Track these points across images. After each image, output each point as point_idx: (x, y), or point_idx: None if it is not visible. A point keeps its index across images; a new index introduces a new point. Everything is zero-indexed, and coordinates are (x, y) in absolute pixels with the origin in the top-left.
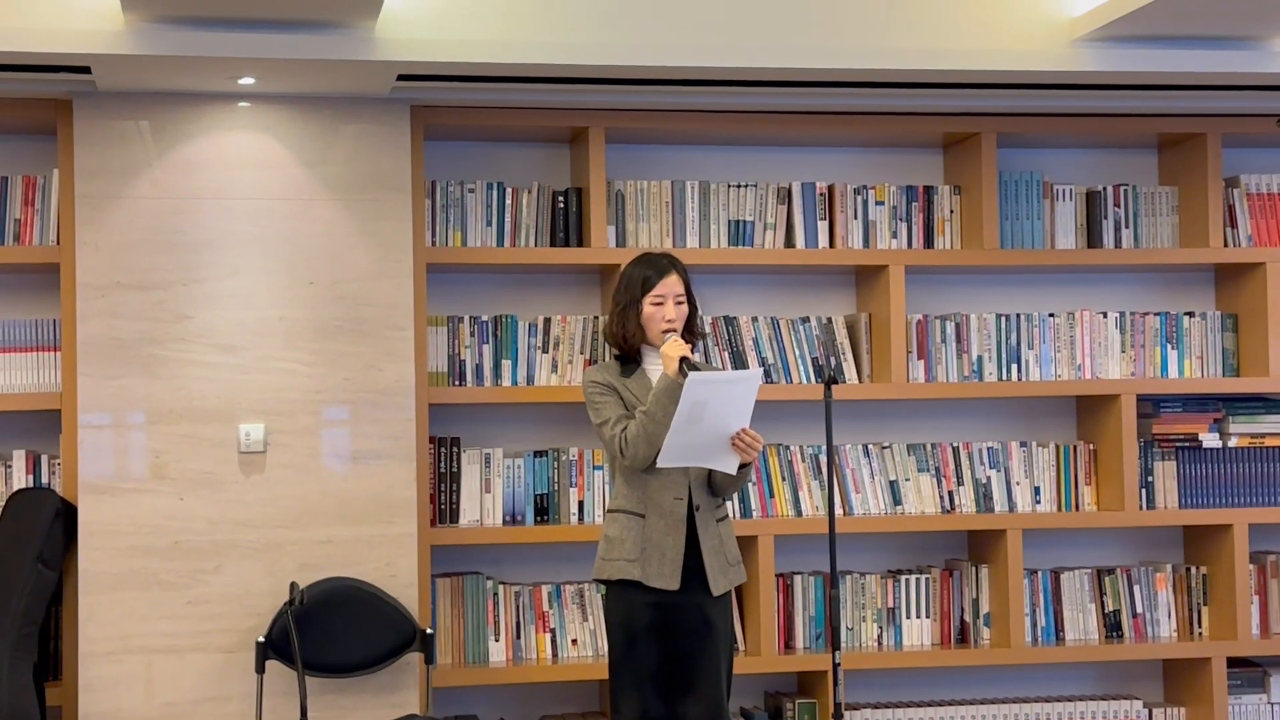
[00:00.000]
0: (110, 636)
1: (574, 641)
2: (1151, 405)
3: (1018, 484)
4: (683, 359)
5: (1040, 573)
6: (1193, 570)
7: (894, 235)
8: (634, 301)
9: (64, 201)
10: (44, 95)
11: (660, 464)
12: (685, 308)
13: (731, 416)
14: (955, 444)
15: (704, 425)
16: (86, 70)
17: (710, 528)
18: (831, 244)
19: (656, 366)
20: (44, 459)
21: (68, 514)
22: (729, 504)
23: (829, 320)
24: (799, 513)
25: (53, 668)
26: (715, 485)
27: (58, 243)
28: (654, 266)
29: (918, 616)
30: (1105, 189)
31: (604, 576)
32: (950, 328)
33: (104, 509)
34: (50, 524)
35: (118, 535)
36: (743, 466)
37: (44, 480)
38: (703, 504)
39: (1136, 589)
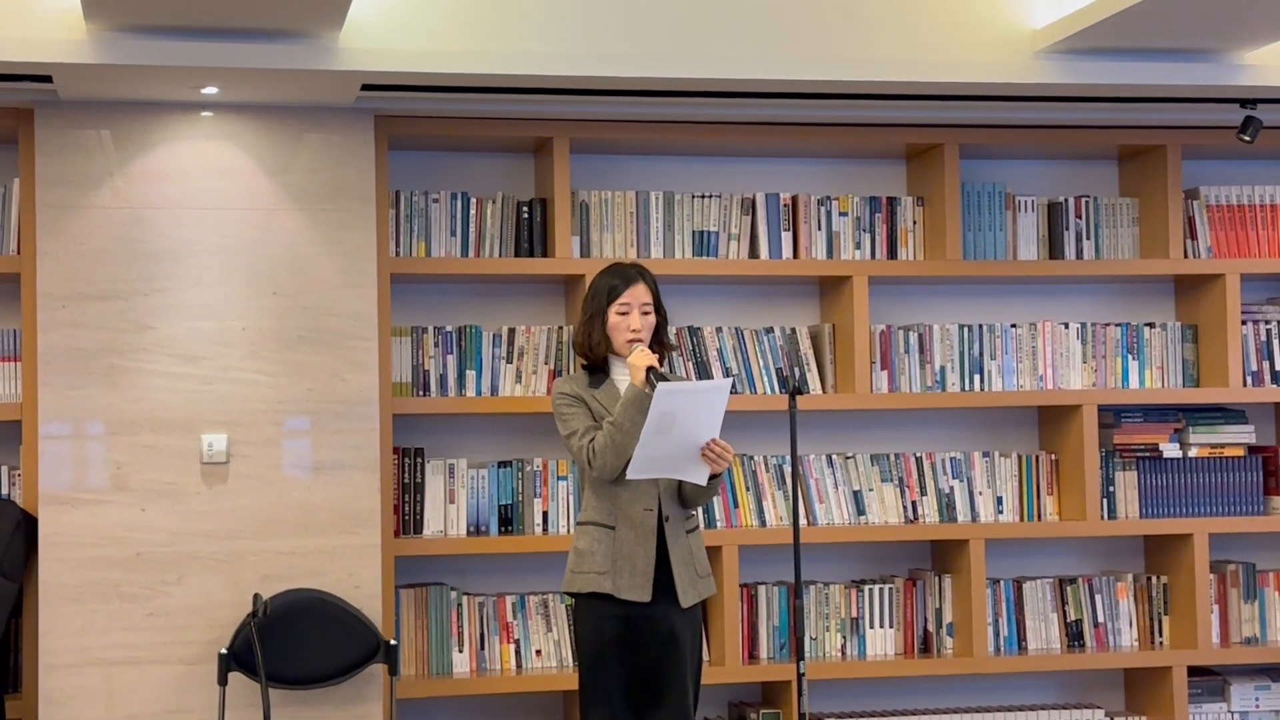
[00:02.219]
0: (71, 649)
1: (538, 652)
2: (1113, 415)
3: (980, 494)
4: (650, 369)
5: (1003, 582)
6: (1153, 580)
7: (857, 246)
8: (600, 311)
9: (25, 211)
10: (5, 104)
11: (630, 475)
12: (652, 318)
13: (701, 427)
14: (918, 454)
15: (673, 436)
16: (48, 79)
17: (680, 539)
18: (795, 254)
19: (624, 377)
20: (4, 470)
21: (28, 525)
22: (698, 514)
23: (793, 331)
24: (763, 523)
25: (13, 680)
26: (685, 496)
27: (18, 252)
28: (621, 276)
29: (881, 626)
30: (1066, 200)
31: (575, 589)
32: (913, 338)
33: (64, 520)
34: (10, 535)
35: (78, 547)
36: (713, 477)
37: (4, 491)
38: (673, 515)
39: (1098, 598)
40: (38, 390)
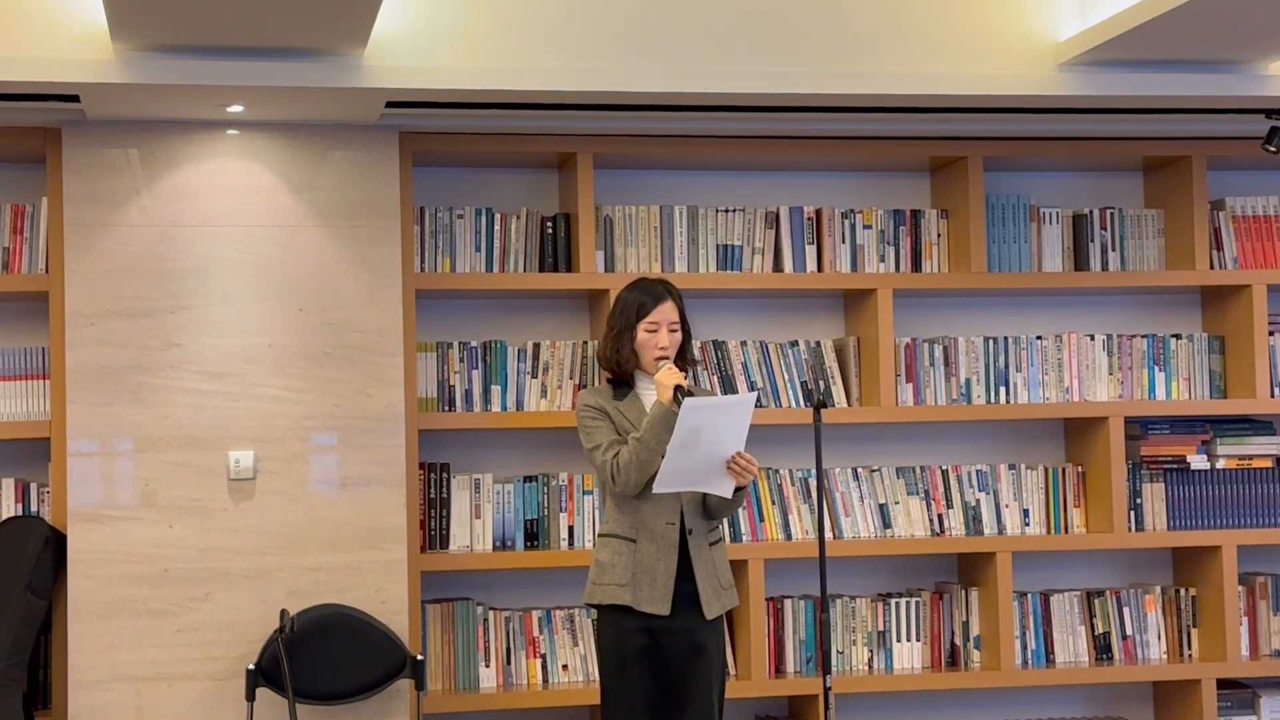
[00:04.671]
0: (100, 665)
1: (564, 667)
2: (1139, 427)
3: (1006, 506)
4: (677, 387)
5: (1030, 595)
6: (1182, 592)
7: (881, 259)
8: (628, 327)
9: (53, 229)
10: (33, 124)
11: (656, 489)
12: (679, 335)
13: (726, 440)
14: (944, 467)
15: (699, 450)
16: (75, 99)
17: (703, 552)
18: (819, 268)
19: (649, 391)
20: (33, 487)
21: (57, 542)
22: (722, 527)
23: (817, 344)
24: (789, 536)
25: (42, 697)
26: (710, 508)
27: (46, 271)
28: (649, 293)
29: (908, 639)
30: (1091, 212)
31: (595, 601)
32: (938, 351)
33: (93, 537)
34: (39, 552)
35: (107, 563)
36: (738, 489)
37: (33, 508)
38: (696, 528)
39: (1126, 611)
40: (66, 408)
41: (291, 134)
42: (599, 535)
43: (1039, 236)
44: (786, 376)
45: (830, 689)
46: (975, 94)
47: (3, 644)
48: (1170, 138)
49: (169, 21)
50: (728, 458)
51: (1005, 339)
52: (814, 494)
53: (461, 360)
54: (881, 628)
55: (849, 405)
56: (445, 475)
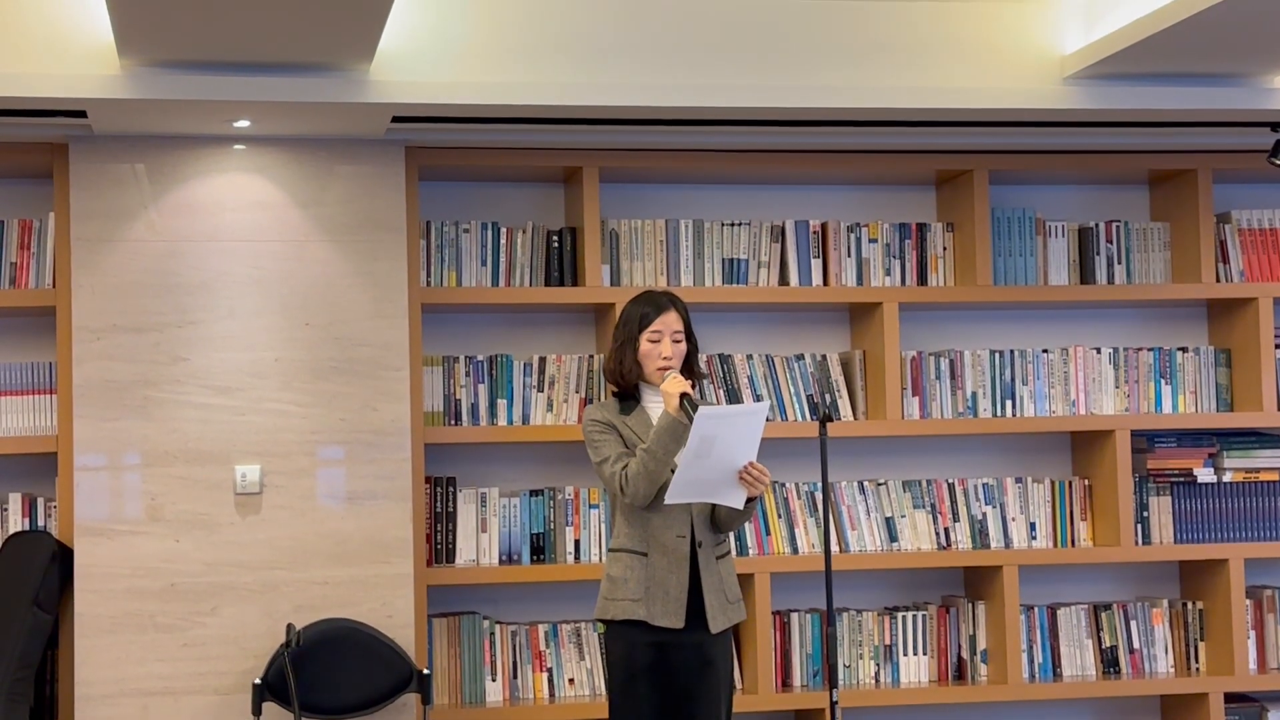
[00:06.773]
0: (106, 679)
1: (571, 681)
2: (1146, 441)
3: (1013, 520)
4: (684, 396)
5: (1037, 609)
6: (1189, 605)
7: (887, 272)
8: (631, 338)
9: (60, 244)
10: (40, 139)
11: (668, 500)
12: (684, 345)
13: (739, 451)
14: (951, 480)
15: (712, 460)
16: (82, 114)
17: (711, 565)
18: (825, 281)
19: (656, 404)
20: (40, 502)
21: (64, 557)
22: (729, 540)
23: (823, 358)
24: (795, 550)
25: (49, 711)
26: (720, 520)
27: (54, 286)
28: (652, 303)
29: (915, 653)
30: (1097, 225)
31: (608, 616)
32: (944, 364)
33: (100, 551)
34: (46, 567)
35: (114, 578)
36: (749, 500)
37: (40, 523)
38: (705, 541)
39: (1133, 624)
40: (73, 422)
41: (298, 149)
42: (609, 550)
43: (1045, 250)
44: (792, 390)
45: (837, 703)
46: (981, 107)
47: (10, 658)
48: (1176, 151)
49: (176, 37)
50: (740, 468)
51: (1011, 352)
52: (820, 508)
53: (467, 374)
54: (888, 641)
55: (855, 419)
56: (451, 489)
